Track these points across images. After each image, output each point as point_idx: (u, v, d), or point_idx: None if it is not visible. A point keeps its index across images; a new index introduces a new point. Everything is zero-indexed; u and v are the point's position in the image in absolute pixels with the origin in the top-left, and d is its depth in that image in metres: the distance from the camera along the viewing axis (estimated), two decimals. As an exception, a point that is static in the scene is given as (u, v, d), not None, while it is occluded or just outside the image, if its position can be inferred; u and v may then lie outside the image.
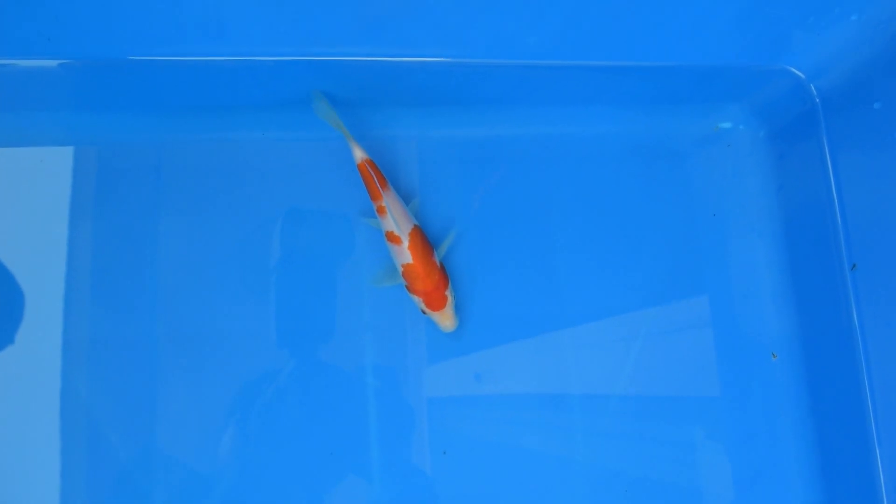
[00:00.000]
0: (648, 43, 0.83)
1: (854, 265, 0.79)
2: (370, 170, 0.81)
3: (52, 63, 0.85)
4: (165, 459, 0.81)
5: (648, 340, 0.88)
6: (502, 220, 0.88)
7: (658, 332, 0.88)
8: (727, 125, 0.92)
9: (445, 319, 0.83)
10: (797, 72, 0.86)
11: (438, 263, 0.83)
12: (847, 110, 0.80)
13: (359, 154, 0.82)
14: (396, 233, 0.81)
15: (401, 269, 0.82)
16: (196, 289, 0.85)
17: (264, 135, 0.88)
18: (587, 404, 0.86)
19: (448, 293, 0.83)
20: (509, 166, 0.89)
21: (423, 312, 0.83)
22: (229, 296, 0.85)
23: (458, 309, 0.84)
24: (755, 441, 0.87)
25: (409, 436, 0.84)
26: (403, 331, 0.86)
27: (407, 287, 0.83)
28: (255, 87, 0.86)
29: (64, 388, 0.81)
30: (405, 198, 0.85)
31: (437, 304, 0.82)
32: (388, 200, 0.81)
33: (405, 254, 0.81)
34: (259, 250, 0.86)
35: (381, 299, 0.87)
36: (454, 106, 0.89)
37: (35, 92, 0.88)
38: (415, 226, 0.82)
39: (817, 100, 0.84)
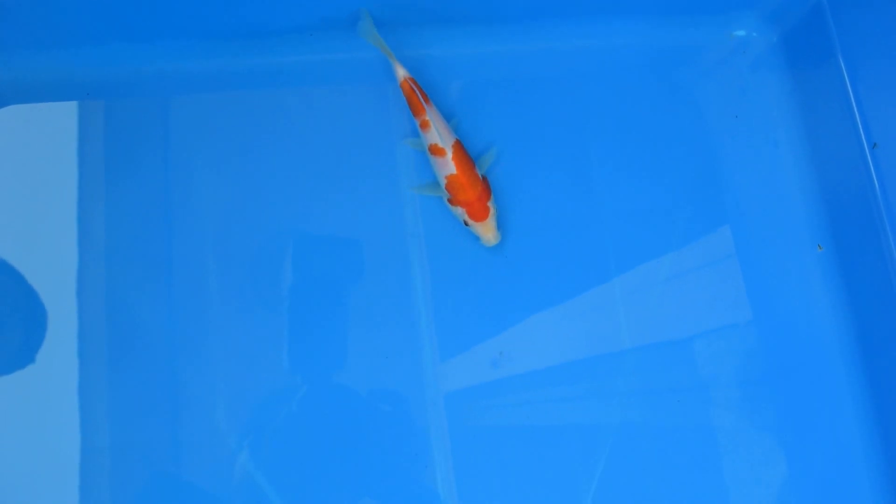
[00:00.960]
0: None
1: (875, 144, 0.84)
2: (413, 86, 0.87)
3: None
4: (182, 482, 0.82)
5: (681, 262, 0.92)
6: (535, 136, 0.93)
7: (692, 245, 0.92)
8: (741, 33, 0.97)
9: (488, 231, 0.86)
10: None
11: (481, 176, 0.88)
12: None
13: (401, 72, 0.88)
14: (440, 145, 0.86)
15: (444, 182, 0.87)
16: (216, 280, 0.87)
17: (302, 59, 0.92)
18: (637, 354, 0.88)
19: (490, 204, 0.86)
20: (537, 82, 0.95)
21: (466, 224, 0.87)
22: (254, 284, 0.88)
23: (499, 223, 0.87)
24: (794, 335, 0.90)
25: (427, 454, 0.85)
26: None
27: (450, 200, 0.87)
28: (290, 9, 0.90)
29: (81, 410, 0.83)
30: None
31: (480, 215, 0.86)
32: (432, 115, 0.86)
33: (449, 165, 0.86)
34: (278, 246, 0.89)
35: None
36: (481, 25, 0.94)
37: (32, 23, 0.87)
38: (457, 139, 0.87)
39: (822, -8, 0.90)
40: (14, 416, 0.83)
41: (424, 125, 0.87)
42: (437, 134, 0.86)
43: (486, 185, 0.88)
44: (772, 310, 0.91)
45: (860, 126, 0.85)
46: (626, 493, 0.85)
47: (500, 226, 0.88)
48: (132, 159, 0.90)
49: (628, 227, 0.92)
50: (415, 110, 0.87)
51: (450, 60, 0.94)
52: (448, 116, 0.91)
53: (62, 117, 0.91)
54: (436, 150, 0.86)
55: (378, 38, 0.88)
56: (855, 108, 0.86)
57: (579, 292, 0.90)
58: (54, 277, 0.86)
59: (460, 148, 0.87)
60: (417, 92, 0.87)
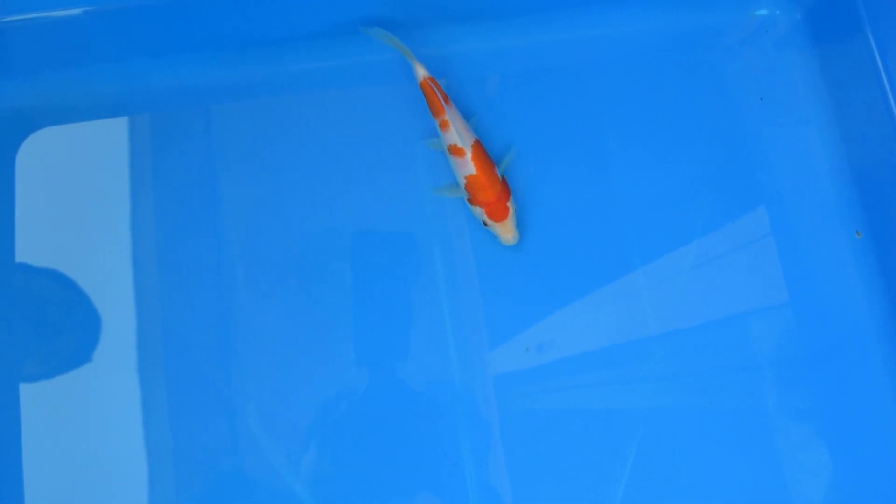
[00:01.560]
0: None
1: (907, 120, 0.82)
2: (433, 86, 0.87)
3: (76, 11, 0.88)
4: (248, 480, 0.84)
5: (712, 247, 0.90)
6: (556, 128, 0.92)
7: (726, 228, 0.90)
8: (763, 12, 0.95)
9: (507, 231, 0.86)
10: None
11: (500, 176, 0.87)
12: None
13: (421, 72, 0.87)
14: (460, 145, 0.86)
15: (463, 182, 0.86)
16: (265, 275, 0.89)
17: (320, 65, 0.94)
18: (670, 339, 0.87)
19: (510, 204, 0.86)
20: (556, 74, 0.94)
21: (485, 224, 0.86)
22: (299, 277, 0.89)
23: (518, 223, 0.86)
24: (830, 316, 0.88)
25: (494, 448, 0.85)
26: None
27: (469, 199, 0.87)
28: (305, 16, 0.91)
29: (144, 408, 0.85)
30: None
31: (500, 215, 0.85)
32: (451, 114, 0.86)
33: (468, 165, 0.85)
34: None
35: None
36: (497, 20, 0.94)
37: (55, 46, 0.91)
38: (476, 139, 0.87)
39: (848, -32, 0.87)
40: (72, 417, 0.86)
41: (444, 125, 0.87)
42: (457, 134, 0.86)
43: (506, 185, 0.87)
44: (806, 292, 0.88)
45: (892, 101, 0.83)
46: (659, 481, 0.84)
47: (523, 220, 0.88)
48: (159, 171, 0.92)
49: (658, 214, 0.90)
50: (434, 110, 0.87)
51: (466, 57, 0.94)
52: (467, 115, 0.91)
53: (91, 135, 0.93)
54: (455, 151, 0.86)
55: (395, 39, 0.88)
56: (886, 83, 0.84)
57: (607, 282, 0.89)
58: (106, 284, 0.89)
59: (479, 148, 0.87)
60: (437, 92, 0.86)
